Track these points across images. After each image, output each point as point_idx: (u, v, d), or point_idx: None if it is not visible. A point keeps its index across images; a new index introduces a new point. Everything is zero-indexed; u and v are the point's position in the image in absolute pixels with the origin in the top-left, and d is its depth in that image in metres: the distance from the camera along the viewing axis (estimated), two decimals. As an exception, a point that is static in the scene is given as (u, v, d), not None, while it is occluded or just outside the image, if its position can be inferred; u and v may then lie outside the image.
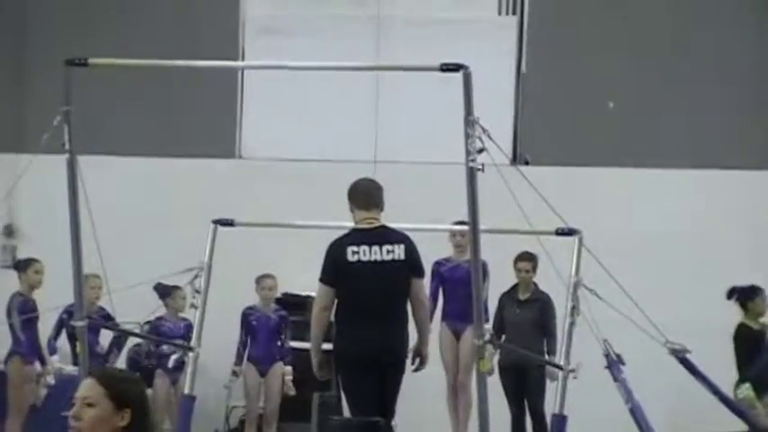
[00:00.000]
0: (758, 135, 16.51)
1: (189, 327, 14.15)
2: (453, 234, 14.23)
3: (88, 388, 5.14)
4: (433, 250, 10.96)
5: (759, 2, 16.61)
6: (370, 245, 10.45)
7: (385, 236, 10.51)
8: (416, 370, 10.68)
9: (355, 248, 10.45)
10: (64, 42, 16.22)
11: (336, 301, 10.51)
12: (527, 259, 14.35)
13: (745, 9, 16.64)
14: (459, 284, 13.84)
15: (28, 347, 14.83)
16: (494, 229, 11.45)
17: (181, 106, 17.30)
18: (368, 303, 10.38)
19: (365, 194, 10.64)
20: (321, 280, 10.54)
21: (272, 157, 17.25)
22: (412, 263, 10.50)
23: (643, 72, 16.73)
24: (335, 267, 10.44)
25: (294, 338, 15.73)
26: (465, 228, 14.04)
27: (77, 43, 15.95)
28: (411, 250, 10.50)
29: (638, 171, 16.54)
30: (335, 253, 10.49)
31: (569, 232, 12.01)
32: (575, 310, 11.92)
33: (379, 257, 10.44)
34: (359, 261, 10.41)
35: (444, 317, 14.38)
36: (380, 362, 10.37)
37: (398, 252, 10.46)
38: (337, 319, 10.58)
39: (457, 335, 14.26)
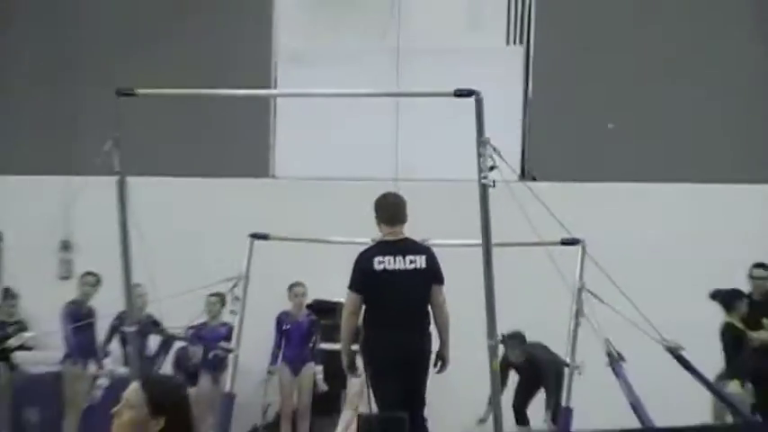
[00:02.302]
0: (747, 151, 16.40)
1: (229, 330, 14.20)
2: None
3: (132, 391, 5.17)
4: (447, 261, 10.94)
5: (755, 21, 16.52)
6: (394, 255, 10.46)
7: (408, 247, 10.52)
8: (439, 372, 10.66)
9: (381, 258, 10.45)
10: (113, 72, 16.22)
11: (364, 306, 10.51)
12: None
13: (739, 28, 16.53)
14: None
15: (78, 350, 14.94)
16: (504, 243, 11.44)
17: (219, 130, 17.32)
18: (392, 309, 10.37)
19: (390, 210, 10.65)
20: (350, 287, 10.53)
21: (302, 176, 17.26)
22: (433, 272, 10.49)
23: (640, 96, 16.68)
24: (363, 276, 10.44)
25: (324, 340, 15.80)
26: None
27: (125, 72, 15.98)
28: (432, 260, 10.51)
29: (636, 185, 16.48)
30: (363, 262, 10.50)
31: (573, 242, 12.08)
32: (579, 312, 11.99)
33: (402, 267, 10.44)
34: (384, 270, 10.41)
35: None
36: (405, 362, 10.36)
37: (420, 262, 10.47)
38: (365, 323, 10.57)
39: None
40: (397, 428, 10.19)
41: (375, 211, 10.69)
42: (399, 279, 10.40)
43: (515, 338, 14.34)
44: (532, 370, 14.49)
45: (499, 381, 11.05)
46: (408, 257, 10.47)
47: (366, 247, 10.78)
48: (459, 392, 14.21)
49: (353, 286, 10.51)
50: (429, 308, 10.50)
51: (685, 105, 16.63)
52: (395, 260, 10.46)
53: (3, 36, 17.94)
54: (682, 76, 16.66)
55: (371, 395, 10.83)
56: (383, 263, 10.44)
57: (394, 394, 10.38)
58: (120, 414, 5.13)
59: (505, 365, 13.73)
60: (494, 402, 10.78)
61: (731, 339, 14.10)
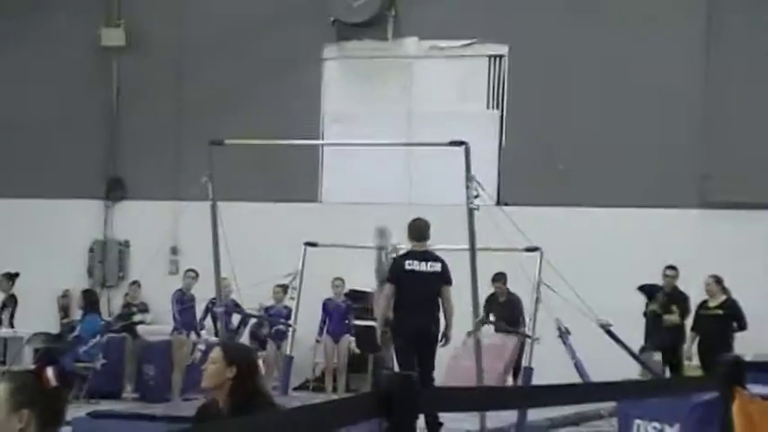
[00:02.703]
0: (673, 182, 16.22)
1: (289, 311, 14.09)
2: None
3: (214, 352, 5.32)
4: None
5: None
6: (419, 260, 10.48)
7: (429, 256, 10.56)
8: (443, 346, 10.66)
9: (410, 262, 10.49)
10: (208, 125, 16.17)
11: (395, 294, 10.52)
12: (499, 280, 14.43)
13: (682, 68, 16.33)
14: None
15: (183, 324, 14.89)
16: (485, 249, 11.46)
17: (282, 168, 17.11)
18: (415, 297, 10.36)
19: (418, 231, 10.65)
20: (387, 279, 10.58)
21: (341, 201, 17.18)
22: (445, 275, 10.50)
23: (585, 143, 16.58)
24: (397, 273, 10.49)
25: (356, 318, 15.70)
26: None
27: (217, 126, 15.93)
28: (444, 266, 10.54)
29: (581, 209, 16.32)
30: (398, 263, 10.58)
31: (534, 249, 12.09)
32: (537, 300, 12.00)
33: (424, 269, 10.46)
34: (412, 270, 10.44)
35: None
36: (420, 337, 10.34)
37: (436, 267, 10.49)
38: (395, 306, 10.57)
39: None
40: (406, 385, 10.14)
41: (408, 230, 10.67)
42: (421, 277, 10.40)
43: (501, 275, 14.27)
44: (508, 312, 14.24)
45: (480, 343, 11.11)
46: (429, 263, 10.47)
47: (402, 253, 10.79)
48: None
49: (390, 279, 10.55)
50: (440, 300, 10.46)
51: (619, 151, 16.53)
52: (419, 264, 10.46)
53: (133, 105, 17.98)
54: (616, 130, 16.58)
55: (395, 358, 10.82)
56: (411, 265, 10.45)
57: (411, 359, 10.37)
58: (207, 368, 5.28)
59: (486, 314, 13.51)
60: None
61: (651, 321, 14.07)
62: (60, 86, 18.08)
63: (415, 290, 10.31)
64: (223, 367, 5.15)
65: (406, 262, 10.48)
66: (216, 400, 5.25)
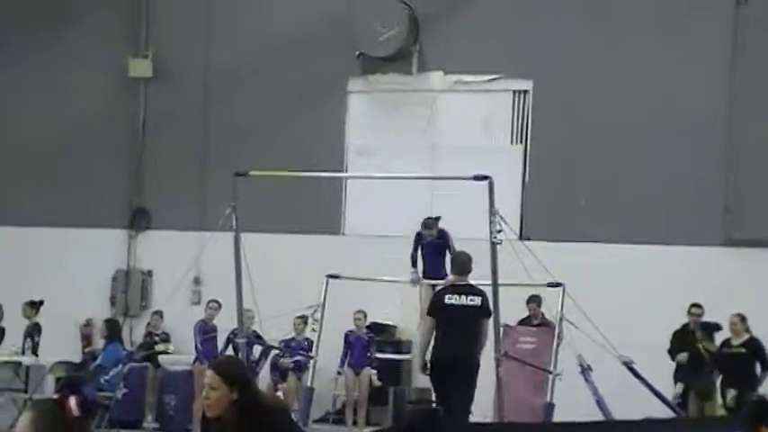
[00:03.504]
0: (696, 218, 16.16)
1: (310, 343, 14.14)
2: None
3: (210, 377, 5.04)
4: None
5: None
6: (459, 294, 10.55)
7: (469, 290, 10.62)
8: None
9: (450, 296, 10.58)
10: (232, 158, 16.17)
11: (435, 326, 10.58)
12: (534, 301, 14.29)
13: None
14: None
15: (205, 354, 14.82)
16: (508, 284, 11.44)
17: (305, 200, 17.06)
18: (454, 330, 10.43)
19: (460, 264, 10.78)
20: (428, 313, 10.70)
21: (364, 234, 17.11)
22: (484, 309, 10.57)
23: (607, 179, 16.52)
24: (436, 306, 10.61)
25: (378, 351, 15.63)
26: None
27: (240, 158, 15.90)
28: (484, 300, 10.60)
29: (601, 245, 16.21)
30: (438, 297, 10.71)
31: (556, 285, 12.05)
32: (559, 335, 11.95)
33: (464, 303, 10.53)
34: (451, 304, 10.52)
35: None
36: (455, 365, 10.39)
37: (476, 301, 10.56)
38: (435, 339, 10.63)
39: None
40: (427, 420, 10.10)
41: (450, 264, 10.84)
42: (460, 311, 10.45)
43: (536, 297, 14.08)
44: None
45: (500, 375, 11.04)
46: (469, 297, 10.53)
47: (442, 287, 10.88)
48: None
49: (430, 312, 10.65)
50: (479, 332, 10.52)
51: (642, 188, 16.45)
52: (459, 298, 10.53)
53: (159, 136, 18.11)
54: (640, 167, 16.53)
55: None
56: (451, 299, 10.53)
57: (443, 388, 10.41)
58: (208, 396, 5.02)
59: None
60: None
61: (705, 359, 13.95)
62: (87, 116, 18.19)
63: (454, 323, 10.36)
64: (225, 392, 4.95)
65: (446, 296, 10.57)
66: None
